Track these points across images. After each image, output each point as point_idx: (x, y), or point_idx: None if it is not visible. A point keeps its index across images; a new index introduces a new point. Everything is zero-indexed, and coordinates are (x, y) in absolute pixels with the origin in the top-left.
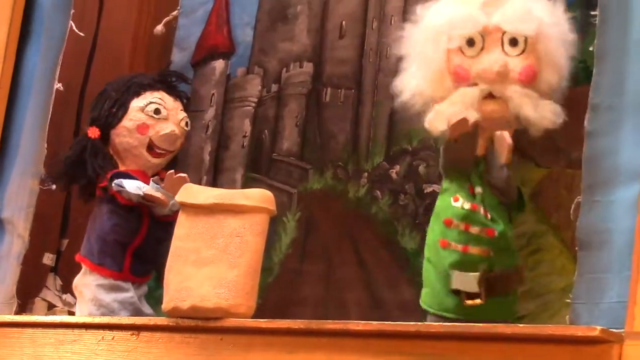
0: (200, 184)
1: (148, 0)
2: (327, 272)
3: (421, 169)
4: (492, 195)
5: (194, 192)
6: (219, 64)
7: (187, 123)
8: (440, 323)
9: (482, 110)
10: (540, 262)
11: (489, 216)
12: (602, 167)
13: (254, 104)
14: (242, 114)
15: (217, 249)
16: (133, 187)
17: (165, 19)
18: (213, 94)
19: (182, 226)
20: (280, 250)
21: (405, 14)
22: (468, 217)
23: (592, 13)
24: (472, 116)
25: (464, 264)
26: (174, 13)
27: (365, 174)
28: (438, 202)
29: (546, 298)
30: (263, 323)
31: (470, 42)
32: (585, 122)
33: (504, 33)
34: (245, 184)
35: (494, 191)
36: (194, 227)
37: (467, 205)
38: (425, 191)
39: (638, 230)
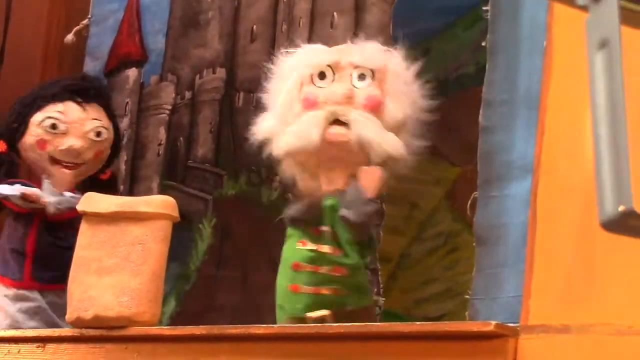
0: (117, 194)
1: (58, 9)
2: (243, 277)
3: None
4: (345, 230)
5: (95, 201)
6: (132, 73)
7: (98, 133)
8: (340, 324)
9: (328, 134)
10: (458, 261)
11: (339, 253)
12: (497, 162)
13: (168, 112)
14: (157, 122)
15: (119, 257)
16: (7, 189)
17: (76, 28)
18: (127, 102)
19: (84, 235)
20: (196, 257)
21: (314, 16)
22: (316, 259)
23: (485, 8)
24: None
25: (316, 305)
26: (85, 22)
27: (278, 178)
28: (285, 249)
29: (464, 296)
30: (166, 330)
31: (322, 76)
32: (480, 118)
33: (355, 68)
34: (162, 192)
35: (347, 227)
36: (96, 236)
37: (313, 247)
38: None
39: (531, 224)
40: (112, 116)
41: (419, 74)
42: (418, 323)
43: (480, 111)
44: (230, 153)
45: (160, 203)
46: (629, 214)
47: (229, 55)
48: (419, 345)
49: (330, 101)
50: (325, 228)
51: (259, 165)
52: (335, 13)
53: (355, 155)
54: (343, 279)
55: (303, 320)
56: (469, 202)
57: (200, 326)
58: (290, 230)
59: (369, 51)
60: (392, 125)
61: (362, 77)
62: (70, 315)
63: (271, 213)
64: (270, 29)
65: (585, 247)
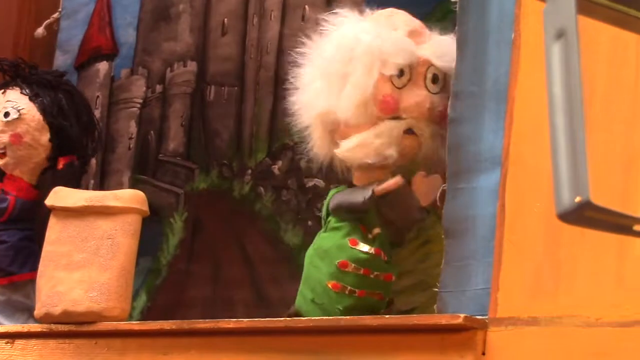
0: (87, 188)
1: (28, 2)
2: (215, 271)
3: (302, 163)
4: (387, 235)
5: (63, 195)
6: (102, 66)
7: (6, 114)
8: (310, 317)
9: (402, 146)
10: (430, 254)
11: (386, 259)
12: (465, 155)
13: (139, 105)
14: (128, 116)
15: (89, 252)
16: None
17: (46, 22)
18: (98, 96)
19: (53, 230)
20: (167, 251)
21: (285, 8)
22: (369, 262)
23: (453, 0)
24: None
25: (359, 309)
26: (55, 15)
27: (249, 171)
28: (325, 241)
29: (435, 289)
30: (136, 325)
31: (401, 73)
32: (448, 110)
33: (428, 68)
34: (132, 186)
35: (390, 231)
36: (65, 231)
37: (367, 249)
38: (306, 186)
39: (499, 217)
40: (49, 102)
41: None
42: (387, 316)
43: (449, 103)
44: (201, 147)
45: (130, 197)
46: (586, 205)
47: (200, 48)
48: (388, 338)
49: (410, 112)
50: (378, 230)
51: (231, 159)
52: (306, 6)
53: (417, 165)
54: (388, 285)
55: None
56: (438, 194)
57: (170, 321)
58: (335, 222)
59: (445, 49)
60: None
61: (435, 79)
62: (39, 310)
63: (243, 207)
64: (241, 22)
65: (553, 240)
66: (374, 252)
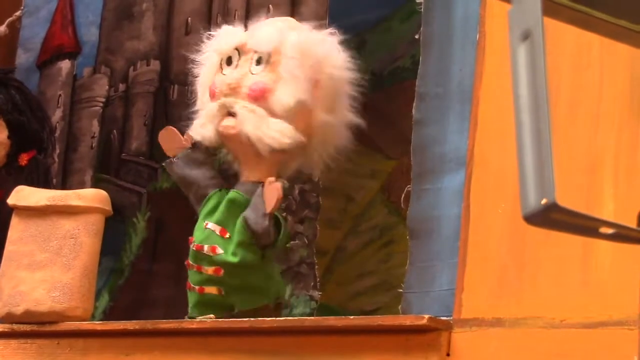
0: (49, 187)
1: None
2: (178, 271)
3: None
4: (241, 231)
5: (26, 195)
6: (64, 65)
7: None
8: (273, 318)
9: (220, 128)
10: (393, 255)
11: (217, 251)
12: (430, 156)
13: (101, 104)
14: (90, 115)
15: (51, 251)
16: None
17: (8, 20)
18: (60, 95)
19: (15, 229)
20: (130, 251)
21: (249, 8)
22: (195, 259)
23: (418, 1)
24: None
25: (202, 304)
26: (18, 13)
27: None
28: None
29: (399, 290)
30: (99, 325)
31: (229, 61)
32: (413, 111)
33: (255, 52)
34: (95, 186)
35: (248, 231)
36: (27, 230)
37: (193, 247)
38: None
39: (464, 218)
40: (3, 99)
41: (352, 65)
42: (351, 317)
43: (414, 104)
44: None
45: (93, 196)
46: (552, 207)
47: (164, 47)
48: (352, 339)
49: (223, 92)
50: (210, 224)
51: None
52: (270, 5)
53: (250, 146)
54: (223, 280)
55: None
56: (403, 195)
57: (134, 321)
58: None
59: (264, 33)
60: (282, 112)
61: (259, 61)
62: (0, 310)
63: None
64: (205, 22)
65: (517, 241)
66: (195, 249)
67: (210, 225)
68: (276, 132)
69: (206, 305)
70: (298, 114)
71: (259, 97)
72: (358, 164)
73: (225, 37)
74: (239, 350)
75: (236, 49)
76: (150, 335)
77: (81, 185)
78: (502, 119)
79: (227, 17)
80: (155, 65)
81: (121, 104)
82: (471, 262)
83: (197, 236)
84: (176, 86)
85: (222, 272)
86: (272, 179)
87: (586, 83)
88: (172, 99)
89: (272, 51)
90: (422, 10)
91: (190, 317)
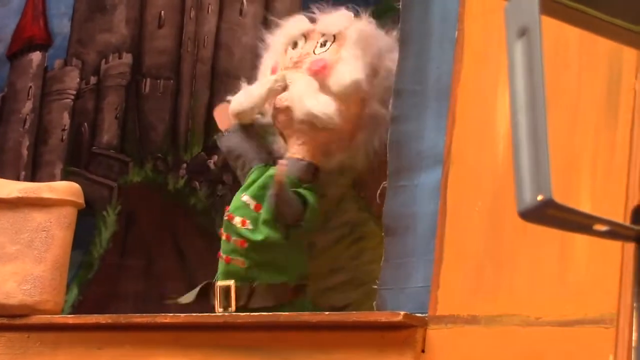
0: (18, 179)
1: None
2: (147, 265)
3: None
4: (270, 211)
5: None
6: (35, 56)
7: None
8: (248, 314)
9: (275, 101)
10: (363, 251)
11: (246, 225)
12: (407, 152)
13: (72, 97)
14: (61, 107)
15: (22, 244)
16: None
17: None
18: (30, 87)
19: None
20: (100, 245)
21: (223, 2)
22: (226, 227)
23: None
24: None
25: (227, 274)
26: None
27: (184, 165)
28: None
29: (369, 286)
30: (70, 319)
31: (294, 45)
32: (390, 107)
33: (321, 35)
34: (65, 178)
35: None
36: None
37: (226, 216)
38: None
39: (441, 215)
40: None
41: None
42: (326, 313)
43: (391, 101)
44: (136, 140)
45: (65, 189)
46: (548, 204)
47: (136, 40)
48: (326, 335)
49: (285, 67)
50: (245, 197)
51: (166, 153)
52: (244, 0)
53: (299, 124)
54: (246, 253)
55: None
56: (378, 191)
57: (106, 315)
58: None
59: (332, 18)
60: (337, 89)
61: (324, 44)
62: None
63: (177, 200)
64: (178, 15)
65: (494, 239)
66: (227, 218)
67: (246, 197)
68: (319, 106)
69: (230, 275)
70: (352, 97)
71: (319, 72)
72: None
73: (294, 22)
74: (212, 346)
75: (303, 34)
76: (123, 330)
77: (51, 178)
78: (480, 116)
79: (200, 12)
80: (128, 58)
81: (92, 96)
82: (447, 259)
83: (232, 206)
84: (148, 80)
85: (246, 244)
86: (283, 161)
87: (564, 82)
88: (144, 92)
89: (338, 34)
90: (400, 7)
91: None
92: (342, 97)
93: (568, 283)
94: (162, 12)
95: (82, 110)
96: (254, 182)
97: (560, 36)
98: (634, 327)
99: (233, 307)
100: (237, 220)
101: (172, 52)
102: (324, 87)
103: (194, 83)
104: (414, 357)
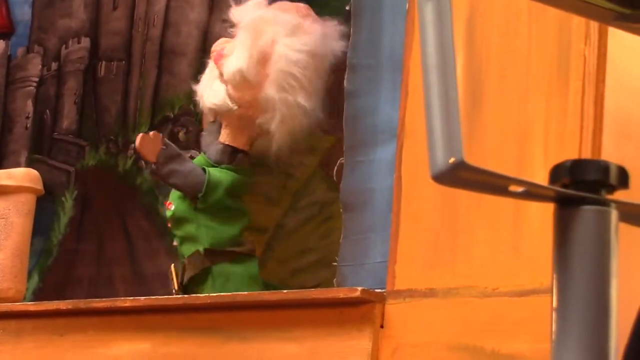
0: None
1: None
2: (99, 249)
3: (181, 135)
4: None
5: None
6: None
7: None
8: (207, 294)
9: None
10: (332, 230)
11: (170, 207)
12: (362, 127)
13: (35, 84)
14: (25, 95)
15: None
16: None
17: None
18: None
19: None
20: (59, 230)
21: None
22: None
23: None
24: None
25: (181, 257)
26: None
27: (133, 146)
28: None
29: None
30: (31, 306)
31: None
32: (345, 82)
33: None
34: (29, 166)
35: None
36: None
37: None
38: None
39: (396, 189)
40: None
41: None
42: (285, 291)
43: (345, 75)
44: (92, 123)
45: (23, 176)
46: (460, 165)
47: (93, 24)
48: (286, 313)
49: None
50: None
51: (117, 134)
52: None
53: None
54: (172, 232)
55: None
56: (335, 168)
57: (67, 301)
58: None
59: (243, 7)
60: (226, 77)
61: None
62: None
63: (126, 181)
64: None
65: (449, 212)
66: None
67: None
68: (211, 91)
69: (181, 257)
70: (243, 84)
71: (216, 60)
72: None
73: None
74: (173, 328)
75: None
76: (84, 315)
77: (17, 166)
78: None
79: None
80: (86, 42)
81: (54, 82)
82: (404, 233)
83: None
84: (104, 62)
85: (170, 224)
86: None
87: (515, 51)
88: (100, 75)
89: (237, 23)
90: None
91: None
92: (232, 84)
93: (523, 252)
94: None
95: (45, 97)
96: None
97: (511, 5)
98: (554, 290)
99: (176, 287)
100: (167, 205)
101: (125, 33)
102: (221, 74)
103: (144, 63)
104: (373, 333)
